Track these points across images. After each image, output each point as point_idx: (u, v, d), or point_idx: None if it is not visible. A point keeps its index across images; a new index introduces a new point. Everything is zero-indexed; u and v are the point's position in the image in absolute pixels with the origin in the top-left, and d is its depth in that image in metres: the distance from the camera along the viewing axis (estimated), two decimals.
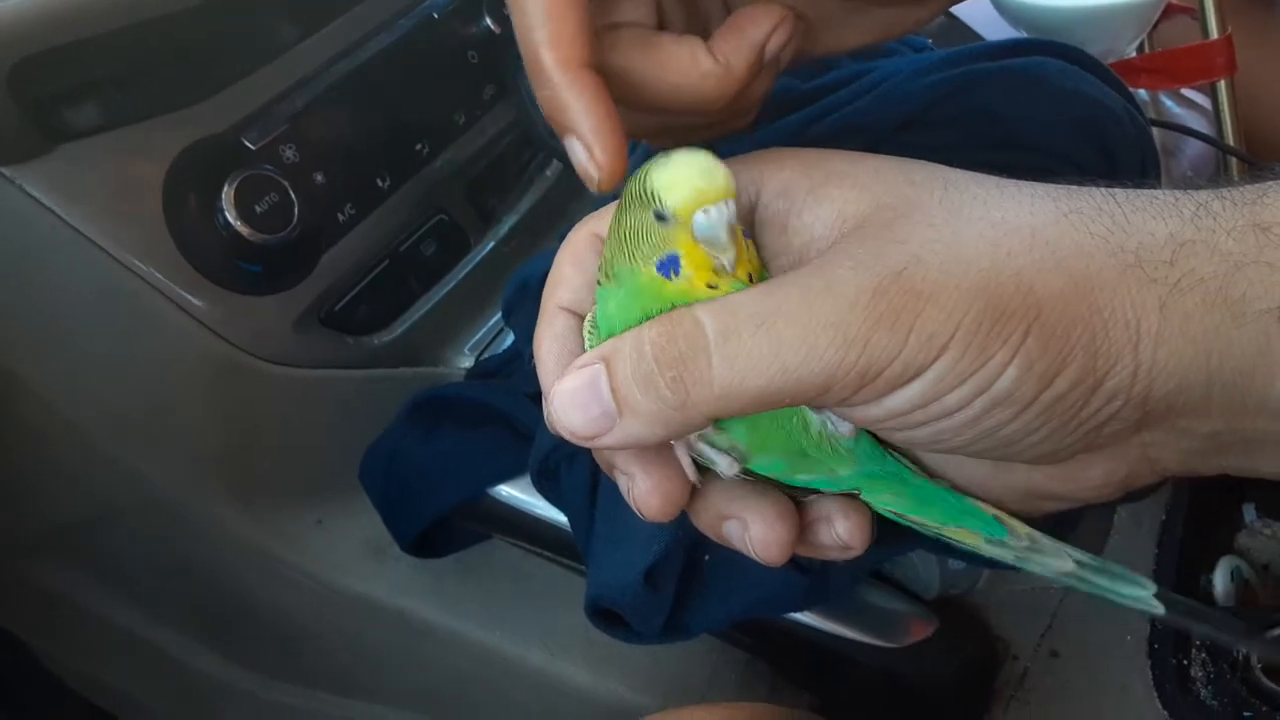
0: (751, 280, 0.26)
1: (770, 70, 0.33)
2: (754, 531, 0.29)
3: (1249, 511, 0.64)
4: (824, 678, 0.55)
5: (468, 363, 0.66)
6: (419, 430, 0.57)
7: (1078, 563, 0.29)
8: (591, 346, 0.29)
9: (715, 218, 0.25)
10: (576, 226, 0.31)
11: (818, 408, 0.28)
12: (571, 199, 0.74)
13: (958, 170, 0.27)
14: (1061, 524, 0.32)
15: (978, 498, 0.30)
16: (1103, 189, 0.26)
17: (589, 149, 0.28)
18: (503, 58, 0.66)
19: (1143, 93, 0.74)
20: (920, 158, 0.50)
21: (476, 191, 0.69)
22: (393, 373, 0.64)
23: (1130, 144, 0.51)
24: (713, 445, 0.28)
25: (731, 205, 0.26)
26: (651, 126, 0.33)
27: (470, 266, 0.67)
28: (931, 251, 0.25)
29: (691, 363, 0.25)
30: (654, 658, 0.60)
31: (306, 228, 0.56)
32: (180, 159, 0.53)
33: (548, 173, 0.74)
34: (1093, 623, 0.55)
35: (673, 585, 0.45)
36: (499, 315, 0.67)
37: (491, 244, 0.69)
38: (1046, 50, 0.53)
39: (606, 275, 0.28)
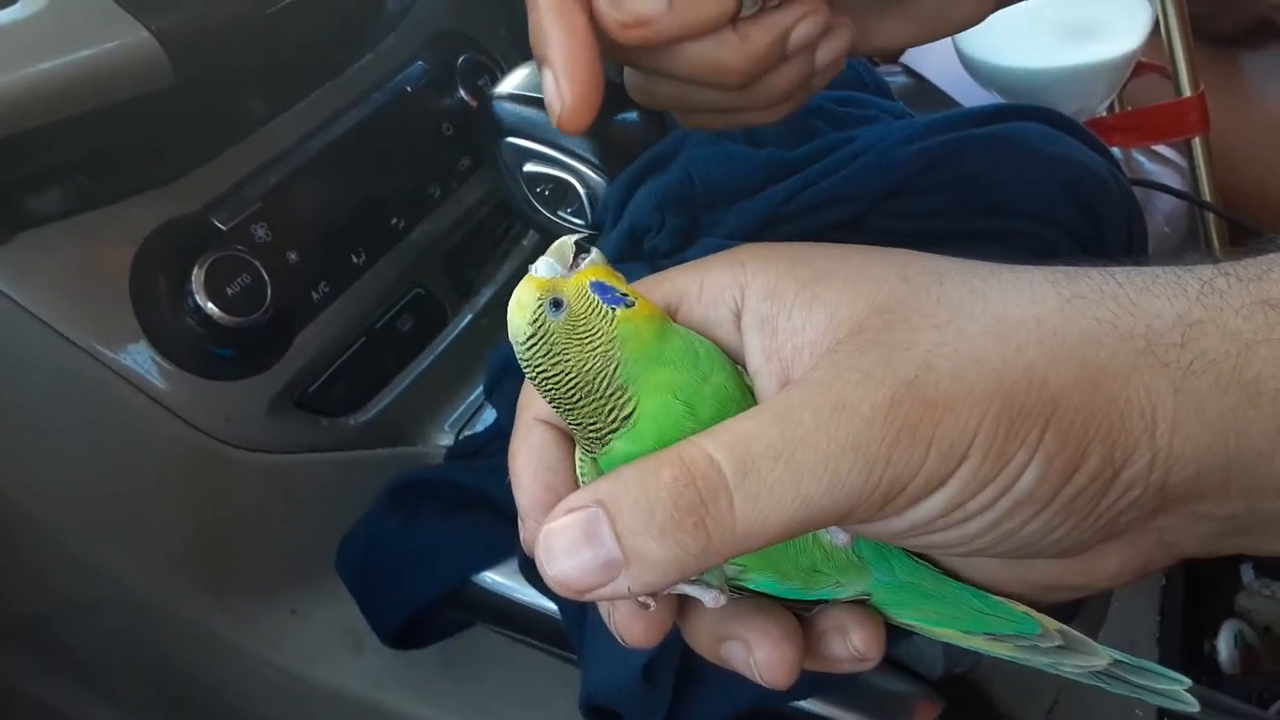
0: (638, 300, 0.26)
1: (801, 63, 0.33)
2: (759, 655, 0.27)
3: (1247, 572, 0.64)
4: None
5: (448, 440, 0.64)
6: (398, 516, 0.55)
7: (1113, 661, 0.28)
8: (584, 475, 0.27)
9: (540, 262, 0.26)
10: None
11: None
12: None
13: (948, 260, 0.27)
14: (1059, 612, 0.31)
15: (995, 594, 0.28)
16: (1100, 269, 0.25)
17: (557, 79, 0.28)
18: (478, 129, 0.66)
19: (1116, 151, 0.75)
20: (908, 225, 0.50)
21: (454, 264, 0.67)
22: (370, 454, 0.62)
23: (1116, 206, 0.50)
24: (701, 578, 0.27)
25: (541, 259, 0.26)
26: (669, 96, 0.33)
27: (448, 341, 0.66)
28: (940, 355, 0.24)
29: (712, 505, 0.23)
30: None
31: (279, 308, 0.55)
32: (148, 242, 0.52)
33: (525, 242, 0.73)
34: (1099, 700, 0.53)
35: (671, 679, 0.43)
36: (479, 390, 0.65)
37: (470, 317, 0.68)
38: (1027, 115, 0.53)
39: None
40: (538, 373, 0.26)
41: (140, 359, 0.52)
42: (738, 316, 0.27)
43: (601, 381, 0.25)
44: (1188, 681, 0.28)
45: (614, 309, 0.26)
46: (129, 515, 0.55)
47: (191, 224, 0.53)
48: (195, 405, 0.53)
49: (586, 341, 0.25)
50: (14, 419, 0.52)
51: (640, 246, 0.52)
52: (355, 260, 0.60)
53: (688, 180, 0.52)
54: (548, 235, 0.64)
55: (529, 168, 0.60)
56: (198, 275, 0.52)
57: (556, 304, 0.25)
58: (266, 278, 0.54)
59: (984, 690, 0.55)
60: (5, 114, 0.45)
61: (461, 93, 0.66)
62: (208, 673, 0.62)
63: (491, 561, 0.54)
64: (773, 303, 0.26)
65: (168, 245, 0.52)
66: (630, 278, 0.43)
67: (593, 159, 0.57)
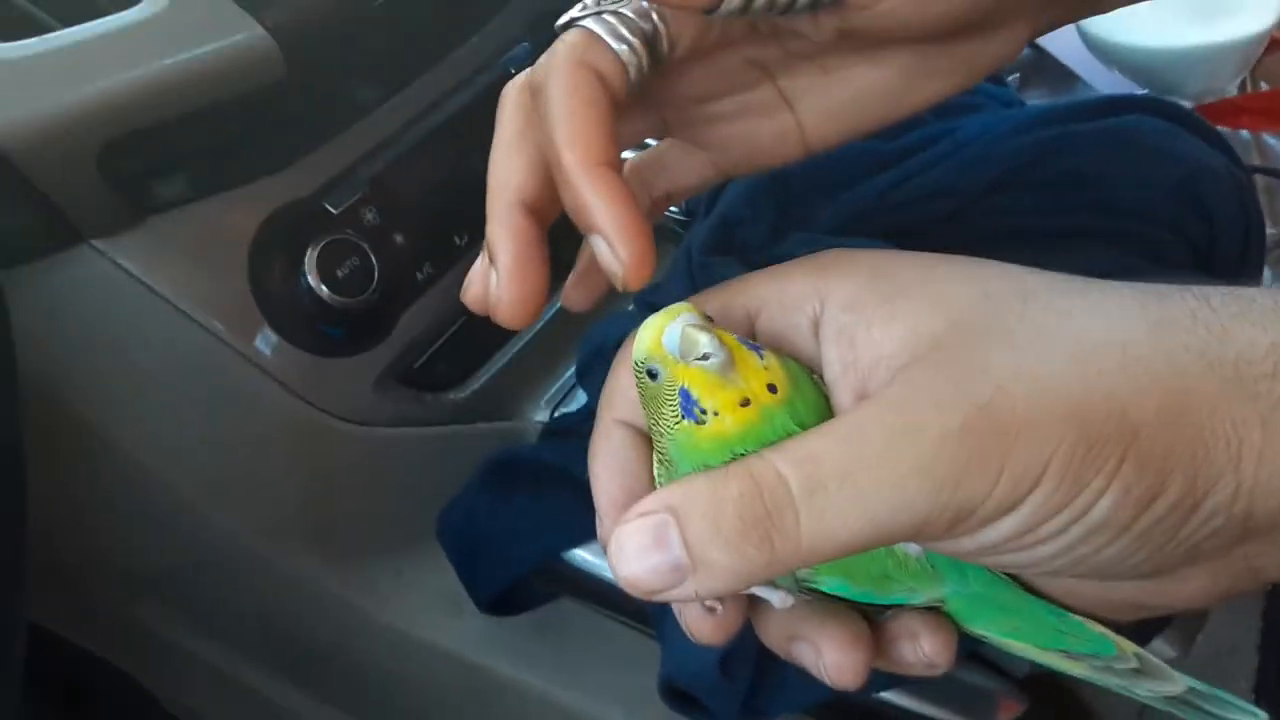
0: (775, 391, 0.25)
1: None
2: (828, 658, 0.28)
3: None
4: None
5: (543, 416, 0.66)
6: (493, 492, 0.57)
7: (1189, 688, 0.28)
8: (660, 479, 0.28)
9: (673, 328, 0.25)
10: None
11: None
12: None
13: (1036, 275, 0.26)
14: (1148, 623, 0.31)
15: (1070, 610, 0.28)
16: (1195, 291, 0.25)
17: (611, 246, 0.27)
18: None
19: (1244, 133, 0.71)
20: (1010, 221, 0.49)
21: (552, 244, 0.68)
22: (470, 428, 0.64)
23: (1231, 205, 0.48)
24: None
25: (689, 314, 0.25)
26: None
27: (544, 320, 0.67)
28: (1016, 379, 0.23)
29: (778, 520, 0.23)
30: None
31: (386, 290, 0.57)
32: (264, 226, 0.54)
33: None
34: None
35: (750, 669, 0.44)
36: (573, 368, 0.67)
37: None
38: (1144, 107, 0.51)
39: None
40: (650, 391, 0.26)
41: (257, 338, 0.54)
42: (816, 325, 0.27)
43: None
44: (1264, 715, 0.27)
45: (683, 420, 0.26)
46: (246, 481, 0.59)
47: (304, 208, 0.55)
48: (307, 381, 0.56)
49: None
50: (144, 392, 0.55)
51: (732, 239, 0.52)
52: (458, 242, 0.62)
53: (782, 171, 0.51)
54: None
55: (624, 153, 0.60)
56: (310, 258, 0.54)
57: (653, 375, 0.26)
58: (374, 260, 0.56)
59: (1071, 689, 0.54)
60: (133, 108, 0.48)
61: None
62: (318, 626, 0.66)
63: (580, 540, 0.55)
64: (852, 314, 0.26)
65: (283, 229, 0.54)
66: (721, 273, 0.43)
67: None
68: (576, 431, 0.60)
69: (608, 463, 0.29)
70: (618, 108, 0.28)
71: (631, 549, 0.24)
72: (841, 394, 0.26)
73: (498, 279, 0.30)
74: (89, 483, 0.57)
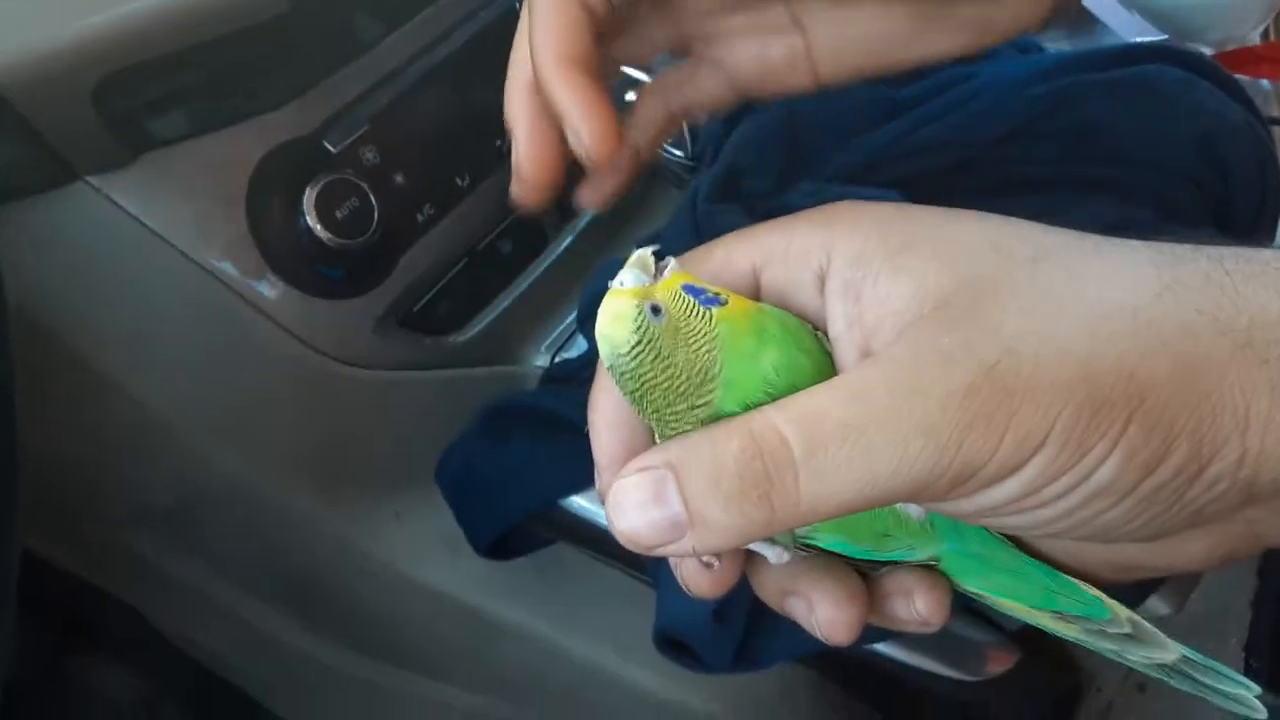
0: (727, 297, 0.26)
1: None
2: (821, 613, 0.28)
3: None
4: (898, 706, 0.53)
5: (543, 361, 0.66)
6: (492, 438, 0.57)
7: (1181, 656, 0.28)
8: (660, 436, 0.27)
9: (623, 275, 0.25)
10: None
11: None
12: (652, 189, 0.73)
13: (1048, 232, 0.25)
14: (1144, 584, 0.31)
15: (1068, 571, 0.28)
16: (1209, 253, 0.24)
17: (575, 129, 0.30)
18: None
19: (1264, 83, 0.69)
20: (1022, 171, 0.48)
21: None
22: (469, 372, 0.63)
23: (1249, 160, 0.47)
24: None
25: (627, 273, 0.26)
26: None
27: (547, 263, 0.66)
28: (1025, 342, 0.23)
29: (778, 480, 0.23)
30: None
31: (386, 231, 0.56)
32: (263, 164, 0.53)
33: None
34: None
35: (743, 619, 0.44)
36: (575, 313, 0.66)
37: (569, 239, 0.68)
38: (1163, 56, 0.49)
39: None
40: (641, 382, 0.25)
41: (254, 277, 0.54)
42: (822, 280, 0.27)
43: (703, 383, 0.25)
44: (1257, 689, 0.27)
45: (710, 309, 0.25)
46: (246, 421, 0.59)
47: (304, 147, 0.54)
48: (306, 322, 0.55)
49: (691, 343, 0.25)
50: (139, 330, 0.55)
51: (738, 187, 0.51)
52: (460, 183, 0.61)
53: (789, 117, 0.50)
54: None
55: (631, 97, 0.59)
56: (309, 198, 0.53)
57: (655, 310, 0.25)
58: (374, 201, 0.55)
59: (1062, 644, 0.55)
60: (130, 43, 0.47)
61: None
62: (319, 567, 0.66)
63: (578, 486, 0.56)
64: (859, 269, 0.26)
65: (281, 167, 0.53)
66: (725, 222, 0.43)
67: None
68: (577, 378, 0.60)
69: (607, 415, 0.28)
70: (597, 17, 0.31)
71: (630, 503, 0.24)
72: (845, 351, 0.26)
73: (516, 152, 0.33)
74: (85, 417, 0.57)
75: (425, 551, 0.65)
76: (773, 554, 0.27)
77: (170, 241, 0.52)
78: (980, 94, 0.48)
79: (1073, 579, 0.28)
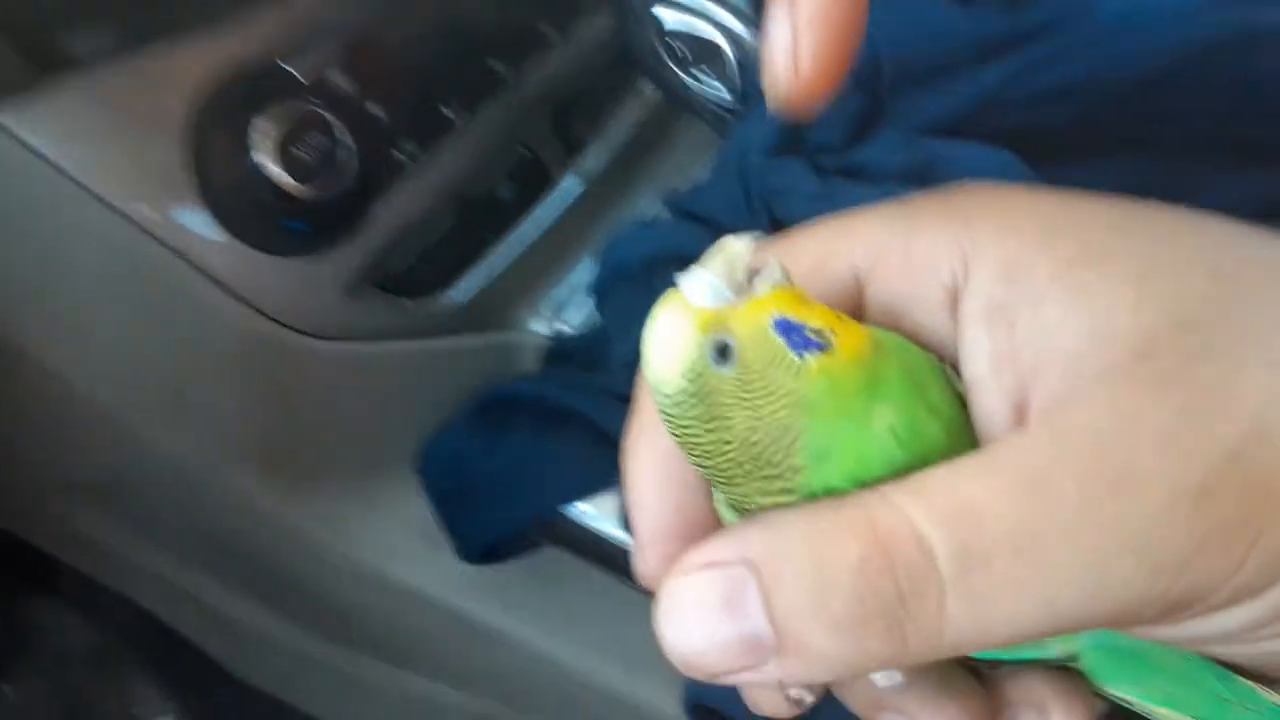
0: (836, 332, 0.19)
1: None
2: None
3: None
4: None
5: (542, 326, 0.57)
6: (487, 431, 0.49)
7: None
8: (727, 518, 0.21)
9: (697, 282, 0.18)
10: None
11: None
12: (678, 123, 0.63)
13: None
14: None
15: (1245, 674, 0.22)
16: None
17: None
18: None
19: None
20: (1162, 133, 0.39)
21: (563, 119, 0.58)
22: (459, 341, 0.55)
23: None
24: None
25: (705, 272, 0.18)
26: None
27: (552, 212, 0.57)
28: (1277, 415, 0.17)
29: (915, 606, 0.17)
30: None
31: (360, 174, 0.47)
32: (204, 92, 0.44)
33: (647, 90, 0.62)
34: None
35: None
36: (577, 269, 0.58)
37: (578, 182, 0.59)
38: None
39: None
40: (686, 436, 0.19)
41: (197, 231, 0.45)
42: (954, 298, 0.20)
43: (776, 455, 0.18)
44: None
45: (804, 356, 0.18)
46: (190, 402, 0.50)
47: (256, 70, 0.45)
48: (259, 285, 0.47)
49: (762, 406, 0.18)
50: (55, 292, 0.46)
51: (801, 135, 0.41)
52: (447, 114, 0.51)
53: (870, 51, 0.41)
54: (677, 97, 0.53)
55: (661, 12, 0.49)
56: (265, 132, 0.45)
57: (723, 351, 0.18)
58: (343, 136, 0.46)
59: None
60: None
61: None
62: (280, 559, 0.59)
63: (585, 492, 0.48)
64: (1012, 286, 0.19)
65: (229, 96, 0.44)
66: (786, 176, 0.34)
67: (748, 10, 0.45)
68: (582, 357, 0.51)
69: (653, 470, 0.22)
70: None
71: (692, 610, 0.18)
72: (989, 400, 0.19)
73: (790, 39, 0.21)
74: None
75: (400, 544, 0.57)
76: (883, 676, 0.22)
77: (88, 187, 0.43)
78: (1115, 32, 0.39)
79: (1252, 683, 0.22)
